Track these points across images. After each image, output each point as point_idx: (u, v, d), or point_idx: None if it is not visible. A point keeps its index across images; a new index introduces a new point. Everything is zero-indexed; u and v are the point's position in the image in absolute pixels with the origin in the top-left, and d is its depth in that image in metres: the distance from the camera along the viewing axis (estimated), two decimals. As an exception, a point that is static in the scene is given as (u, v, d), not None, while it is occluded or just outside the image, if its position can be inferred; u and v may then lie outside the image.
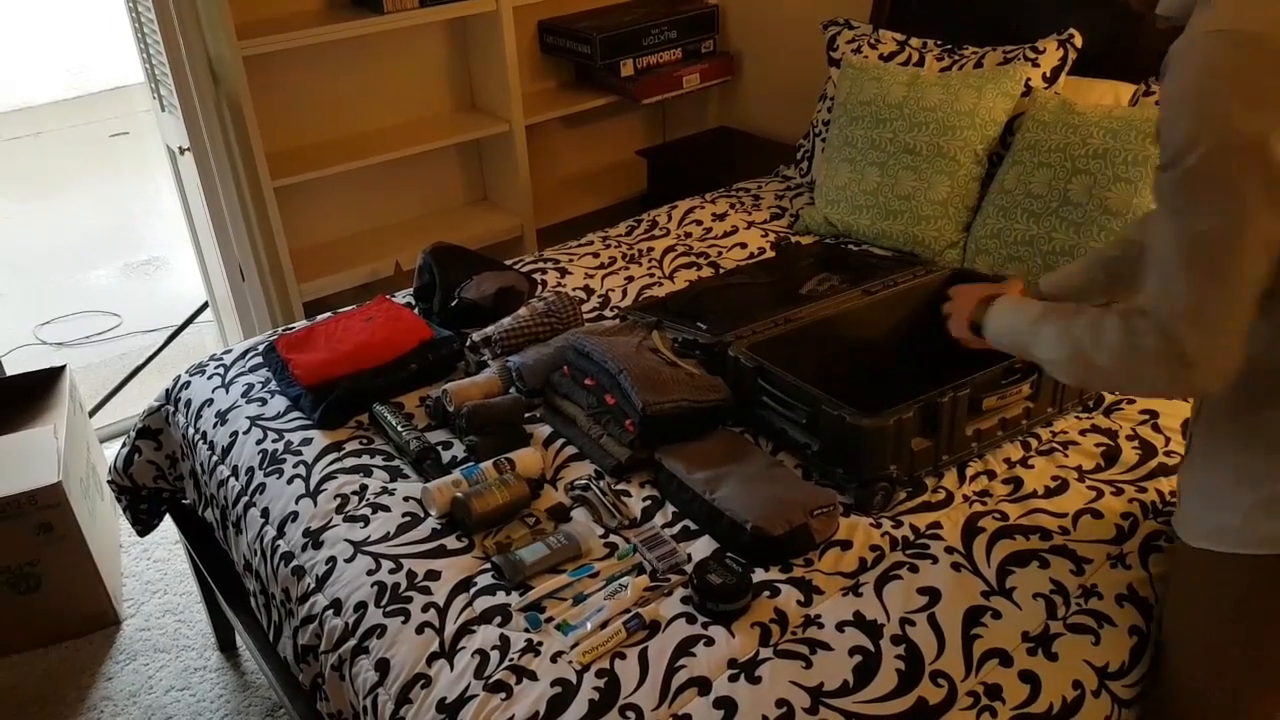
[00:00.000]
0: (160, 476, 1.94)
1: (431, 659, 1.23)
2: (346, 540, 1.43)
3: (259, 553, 1.54)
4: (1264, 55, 0.88)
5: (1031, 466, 1.49)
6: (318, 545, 1.44)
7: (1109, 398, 1.64)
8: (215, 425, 1.76)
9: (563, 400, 1.65)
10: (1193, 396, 0.99)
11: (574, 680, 1.17)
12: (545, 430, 1.63)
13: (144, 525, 2.00)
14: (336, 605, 1.36)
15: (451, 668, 1.21)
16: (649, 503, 1.46)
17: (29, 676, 2.10)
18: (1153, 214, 0.99)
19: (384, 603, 1.32)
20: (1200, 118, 0.91)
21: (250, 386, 1.83)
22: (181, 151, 2.62)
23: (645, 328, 1.73)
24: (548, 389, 1.69)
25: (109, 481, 1.98)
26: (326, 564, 1.41)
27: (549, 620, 1.26)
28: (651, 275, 2.14)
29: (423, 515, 1.47)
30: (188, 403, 1.86)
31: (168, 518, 2.02)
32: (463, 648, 1.23)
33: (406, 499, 1.50)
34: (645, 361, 1.57)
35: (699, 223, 2.38)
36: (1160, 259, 0.97)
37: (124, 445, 1.95)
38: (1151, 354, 0.98)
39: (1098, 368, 1.04)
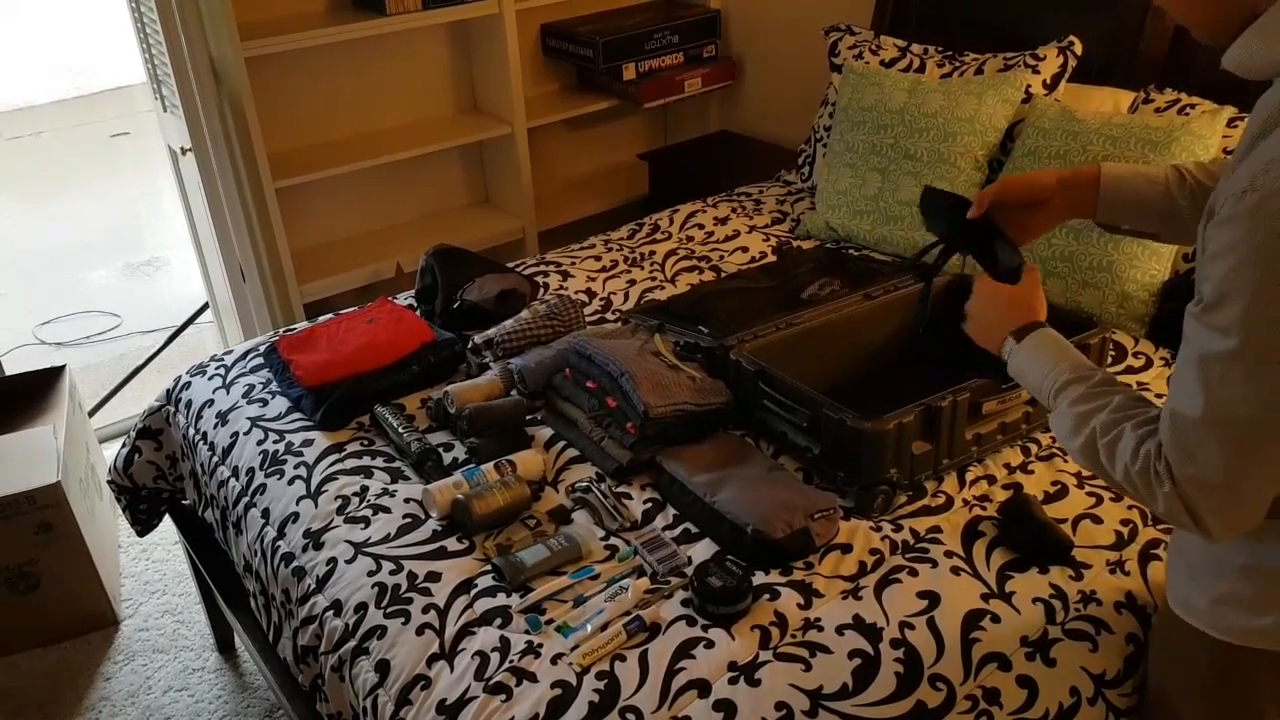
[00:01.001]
0: (160, 477, 1.94)
1: (432, 660, 1.23)
2: (347, 541, 1.43)
3: (259, 553, 1.54)
4: None
5: (1031, 472, 1.50)
6: (318, 546, 1.45)
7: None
8: (216, 426, 1.77)
9: (564, 403, 1.65)
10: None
11: (574, 682, 1.17)
12: (546, 432, 1.63)
13: (143, 525, 2.00)
14: (337, 606, 1.36)
15: (452, 669, 1.21)
16: (650, 505, 1.46)
17: (27, 677, 2.09)
18: (1189, 333, 0.86)
19: (384, 604, 1.32)
20: (1260, 301, 0.78)
21: (251, 387, 1.83)
22: (183, 152, 2.63)
23: (647, 331, 1.74)
24: (549, 391, 1.69)
25: (109, 481, 1.98)
26: (327, 565, 1.41)
27: (549, 622, 1.27)
28: (653, 279, 2.15)
29: (424, 517, 1.47)
30: (188, 403, 1.86)
31: (167, 518, 2.02)
32: (463, 649, 1.24)
33: (407, 500, 1.50)
34: (647, 365, 1.57)
35: (701, 226, 2.39)
36: (1188, 419, 0.85)
37: (124, 445, 1.95)
38: (1164, 501, 0.89)
39: (1107, 474, 0.95)
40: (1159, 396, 1.64)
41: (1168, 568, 1.10)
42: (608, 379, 1.56)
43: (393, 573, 1.36)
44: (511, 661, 1.21)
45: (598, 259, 2.25)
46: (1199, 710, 1.09)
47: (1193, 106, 1.96)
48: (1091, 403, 0.98)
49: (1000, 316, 1.16)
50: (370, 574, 1.37)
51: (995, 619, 1.23)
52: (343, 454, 1.61)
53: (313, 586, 1.41)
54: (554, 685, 1.17)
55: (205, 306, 3.26)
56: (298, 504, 1.53)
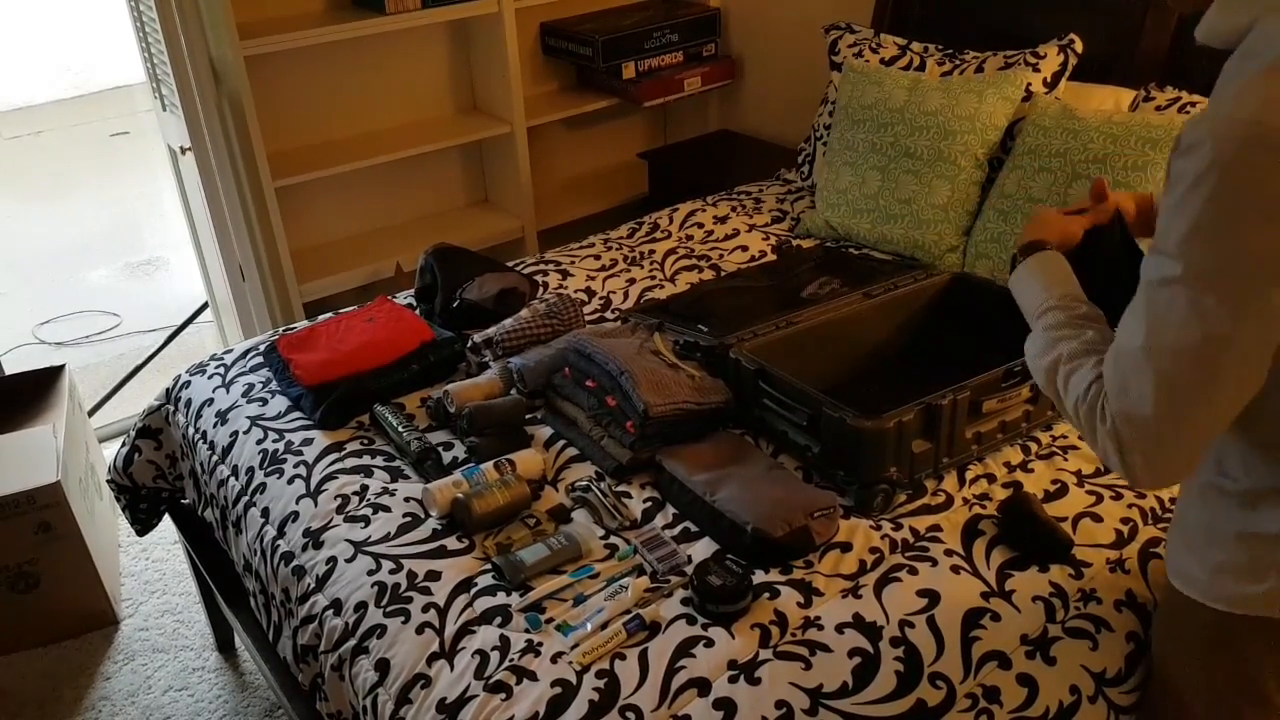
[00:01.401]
0: (160, 476, 1.94)
1: (431, 659, 1.23)
2: (347, 540, 1.43)
3: (259, 553, 1.54)
4: None
5: (1031, 470, 1.50)
6: (318, 545, 1.45)
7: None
8: (215, 425, 1.77)
9: (564, 402, 1.65)
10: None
11: (574, 681, 1.17)
12: (546, 431, 1.63)
13: (143, 525, 2.00)
14: (336, 605, 1.36)
15: (452, 668, 1.21)
16: (649, 504, 1.46)
17: (27, 676, 2.09)
18: (1143, 268, 0.88)
19: (384, 603, 1.32)
20: (1210, 226, 0.80)
21: (251, 386, 1.83)
22: (182, 151, 2.63)
23: (647, 330, 1.74)
24: (549, 390, 1.69)
25: (108, 481, 1.98)
26: (327, 564, 1.41)
27: (549, 621, 1.27)
28: (653, 278, 2.15)
29: (423, 516, 1.47)
30: (188, 402, 1.86)
31: (167, 517, 2.02)
32: (463, 648, 1.24)
33: (407, 499, 1.50)
34: (647, 363, 1.57)
35: (700, 225, 2.38)
36: (1128, 350, 0.87)
37: (124, 444, 1.95)
38: (1100, 438, 0.90)
39: (1060, 401, 0.98)
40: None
41: (1167, 542, 1.12)
42: (607, 378, 1.56)
43: (392, 572, 1.36)
44: (511, 660, 1.21)
45: (597, 258, 2.25)
46: (1198, 678, 1.10)
47: (1194, 104, 1.96)
48: (1066, 329, 1.00)
49: (1027, 230, 1.21)
50: (370, 573, 1.37)
51: (995, 617, 1.23)
52: (342, 453, 1.61)
53: (312, 585, 1.41)
54: (554, 684, 1.17)
55: (205, 306, 3.26)
56: (297, 503, 1.53)
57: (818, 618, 1.24)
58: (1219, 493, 1.01)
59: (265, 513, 1.56)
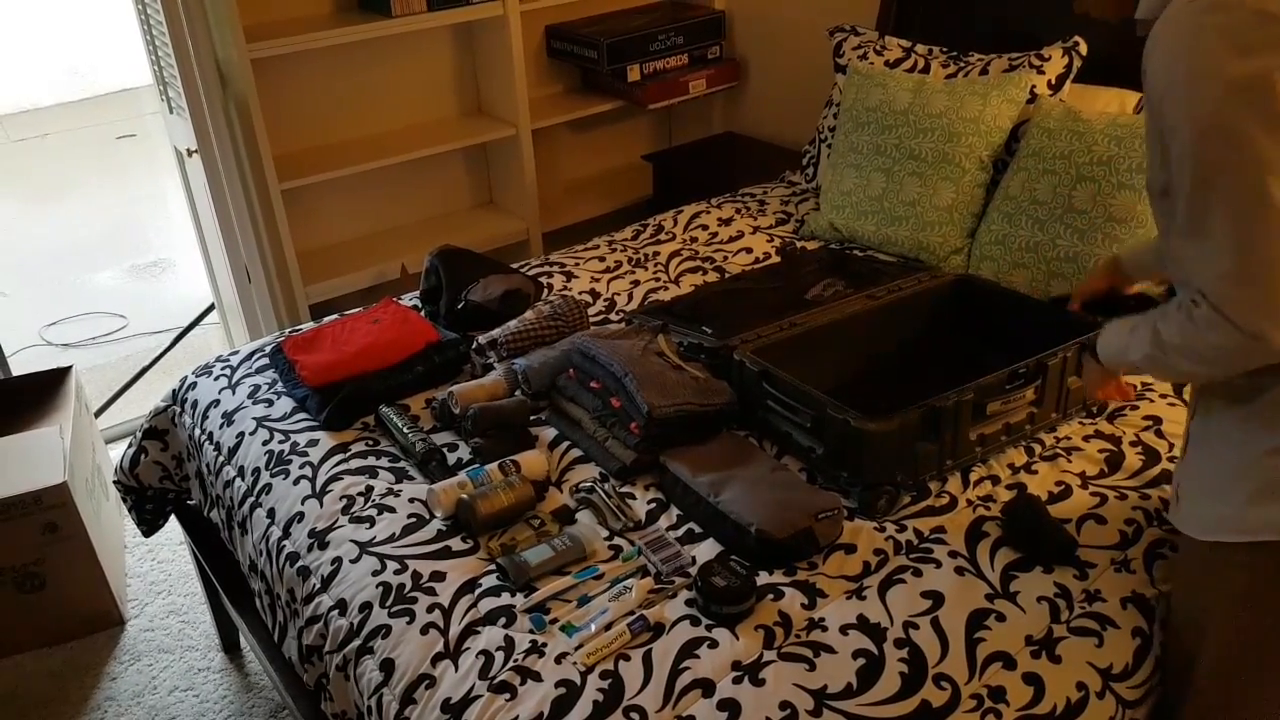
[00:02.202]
0: (166, 477, 1.94)
1: (436, 659, 1.23)
2: (352, 541, 1.44)
3: (264, 553, 1.55)
4: (1244, 12, 0.90)
5: (1035, 472, 1.49)
6: (323, 546, 1.45)
7: (1112, 404, 1.64)
8: (221, 426, 1.77)
9: (568, 403, 1.65)
10: (1267, 360, 0.99)
11: (578, 681, 1.17)
12: (550, 433, 1.63)
13: (149, 526, 2.01)
14: (342, 605, 1.36)
15: (456, 668, 1.22)
16: (654, 505, 1.46)
17: (33, 676, 2.10)
18: (1167, 205, 1.00)
19: (389, 603, 1.32)
20: (1194, 79, 0.92)
21: (257, 387, 1.83)
22: (189, 153, 2.64)
23: (651, 331, 1.74)
24: (553, 392, 1.69)
25: (115, 482, 1.99)
26: (332, 564, 1.42)
27: (553, 622, 1.27)
28: (657, 279, 2.15)
29: (428, 517, 1.47)
30: (194, 403, 1.87)
31: (173, 518, 2.02)
32: (467, 648, 1.24)
33: (412, 500, 1.50)
34: (650, 365, 1.58)
35: (705, 227, 2.39)
36: (1187, 236, 0.97)
37: (130, 445, 1.96)
38: (1213, 330, 0.98)
39: (1173, 348, 1.05)
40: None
41: (1180, 507, 1.15)
42: (611, 379, 1.56)
43: (397, 572, 1.36)
44: (516, 661, 1.21)
45: (601, 260, 2.25)
46: (1238, 622, 1.11)
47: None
48: (1140, 326, 1.13)
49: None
50: (375, 573, 1.37)
51: (1000, 618, 1.23)
52: (348, 454, 1.62)
53: (318, 586, 1.41)
54: (558, 684, 1.17)
55: (211, 308, 3.27)
56: (303, 504, 1.53)
57: (822, 619, 1.24)
58: (1240, 419, 1.05)
59: (271, 513, 1.56)
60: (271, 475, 1.61)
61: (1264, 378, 1.04)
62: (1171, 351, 1.06)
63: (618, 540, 1.40)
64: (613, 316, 2.00)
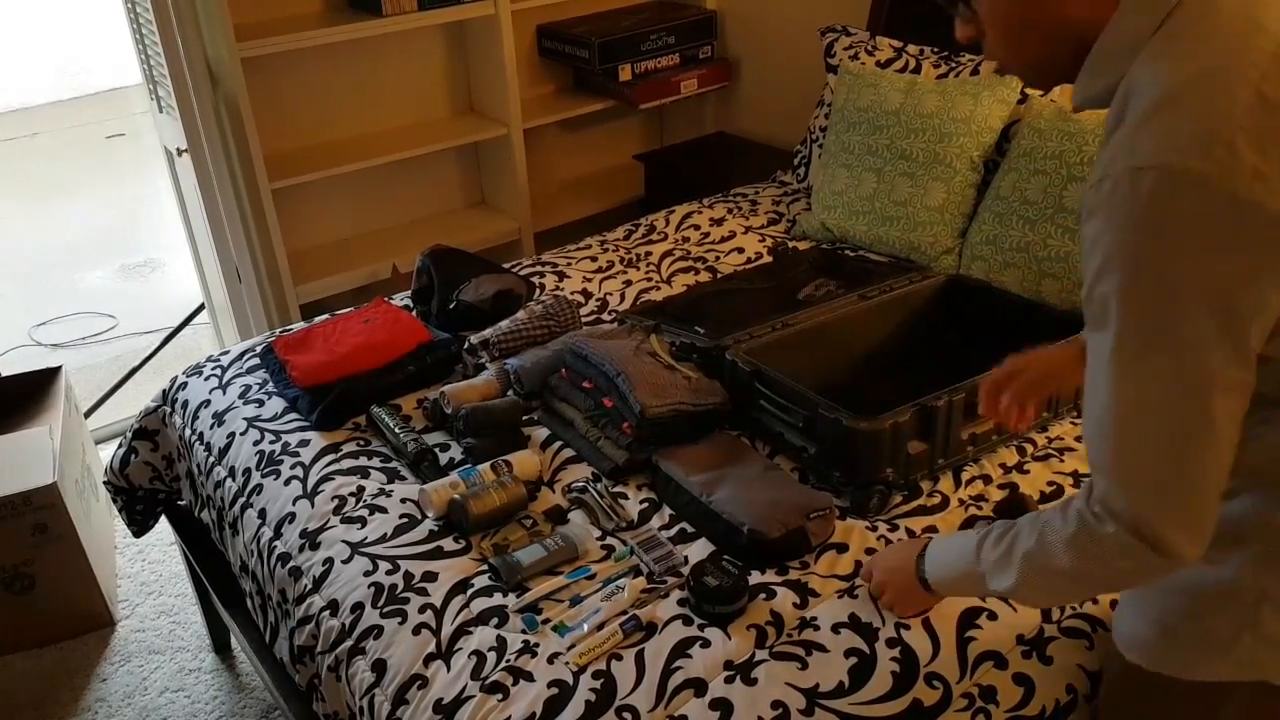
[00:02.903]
0: (156, 477, 1.94)
1: (428, 660, 1.23)
2: (344, 541, 1.43)
3: (256, 554, 1.54)
4: (1212, 200, 0.74)
5: (1027, 472, 1.50)
6: (315, 546, 1.45)
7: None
8: (212, 426, 1.77)
9: (560, 403, 1.65)
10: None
11: (570, 681, 1.17)
12: (543, 433, 1.63)
13: (140, 526, 2.00)
14: (333, 606, 1.36)
15: (448, 669, 1.22)
16: (646, 505, 1.46)
17: (23, 677, 2.09)
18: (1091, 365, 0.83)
19: (381, 604, 1.32)
20: (1132, 284, 0.77)
21: (248, 388, 1.83)
22: (179, 153, 2.63)
23: (643, 331, 1.74)
24: (546, 391, 1.69)
25: (105, 482, 1.98)
26: (324, 565, 1.41)
27: (546, 622, 1.27)
28: (649, 279, 2.15)
29: (420, 517, 1.47)
30: (184, 403, 1.86)
31: (163, 519, 2.02)
32: (460, 649, 1.24)
33: (404, 500, 1.50)
34: (643, 365, 1.58)
35: (697, 227, 2.39)
36: (1106, 436, 0.82)
37: (120, 446, 1.95)
38: (1114, 542, 0.82)
39: (1060, 571, 0.88)
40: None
41: (1120, 625, 1.02)
42: (604, 379, 1.56)
43: (389, 573, 1.36)
44: (508, 661, 1.21)
45: (594, 260, 2.25)
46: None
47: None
48: (1008, 534, 0.95)
49: (896, 570, 1.18)
50: (367, 574, 1.37)
51: (992, 617, 1.23)
52: (339, 454, 1.61)
53: (309, 586, 1.41)
54: (550, 684, 1.17)
55: (201, 308, 3.26)
56: (294, 504, 1.53)
57: (814, 618, 1.24)
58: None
59: (262, 514, 1.56)
60: (262, 476, 1.61)
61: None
62: (1052, 564, 0.88)
63: (610, 540, 1.40)
64: (605, 316, 2.00)
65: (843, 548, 1.35)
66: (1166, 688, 0.94)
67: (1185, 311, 0.77)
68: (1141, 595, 0.96)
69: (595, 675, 1.18)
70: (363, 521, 1.46)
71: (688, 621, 1.25)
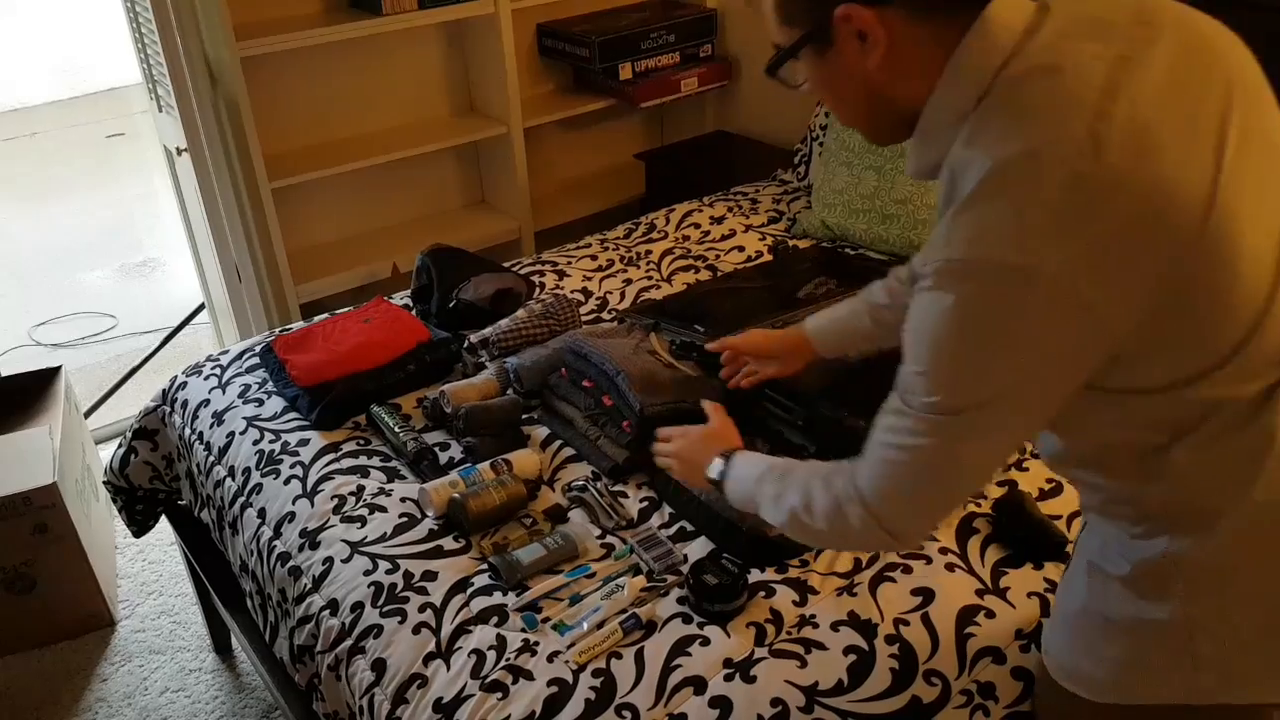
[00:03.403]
0: (156, 477, 1.94)
1: (428, 659, 1.23)
2: (344, 541, 1.43)
3: (255, 553, 1.54)
4: (1027, 293, 0.75)
5: (1026, 469, 1.50)
6: (315, 546, 1.45)
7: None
8: (212, 425, 1.77)
9: (560, 402, 1.65)
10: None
11: (570, 680, 1.18)
12: (543, 431, 1.63)
13: (140, 526, 2.00)
14: (333, 605, 1.36)
15: (448, 668, 1.22)
16: (646, 504, 1.46)
17: (23, 678, 2.09)
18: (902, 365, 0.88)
19: (381, 603, 1.32)
20: (941, 360, 0.82)
21: (247, 387, 1.83)
22: (179, 152, 2.63)
23: (643, 330, 1.74)
24: (545, 390, 1.69)
25: (105, 482, 1.98)
26: (323, 564, 1.41)
27: (545, 620, 1.27)
28: (649, 278, 2.15)
29: (420, 516, 1.47)
30: (184, 403, 1.86)
31: (163, 519, 2.02)
32: (459, 648, 1.24)
33: (404, 500, 1.50)
34: (643, 363, 1.58)
35: (697, 226, 2.39)
36: (882, 439, 0.89)
37: (120, 445, 1.95)
38: (859, 524, 0.91)
39: (815, 531, 0.98)
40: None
41: (1045, 630, 1.05)
42: (604, 378, 1.56)
43: (389, 572, 1.36)
44: (508, 660, 1.21)
45: (594, 258, 2.25)
46: None
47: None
48: (787, 478, 1.03)
49: (700, 450, 1.22)
50: (367, 573, 1.37)
51: (990, 614, 1.23)
52: (339, 453, 1.61)
53: (309, 586, 1.41)
54: (550, 683, 1.17)
55: (201, 307, 3.26)
56: (294, 503, 1.53)
57: (813, 616, 1.24)
58: (1104, 577, 0.93)
59: (262, 513, 1.56)
60: (262, 475, 1.61)
61: (1112, 553, 0.92)
62: (809, 524, 0.98)
63: (610, 539, 1.40)
64: (605, 315, 2.00)
65: (842, 546, 1.35)
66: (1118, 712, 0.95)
67: (980, 401, 0.81)
68: (1081, 632, 0.96)
69: (595, 674, 1.18)
70: (362, 521, 1.46)
71: (687, 620, 1.25)
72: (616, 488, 1.50)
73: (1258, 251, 0.78)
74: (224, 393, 1.83)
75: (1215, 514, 0.85)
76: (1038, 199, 0.74)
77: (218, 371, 1.90)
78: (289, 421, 1.71)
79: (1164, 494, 0.87)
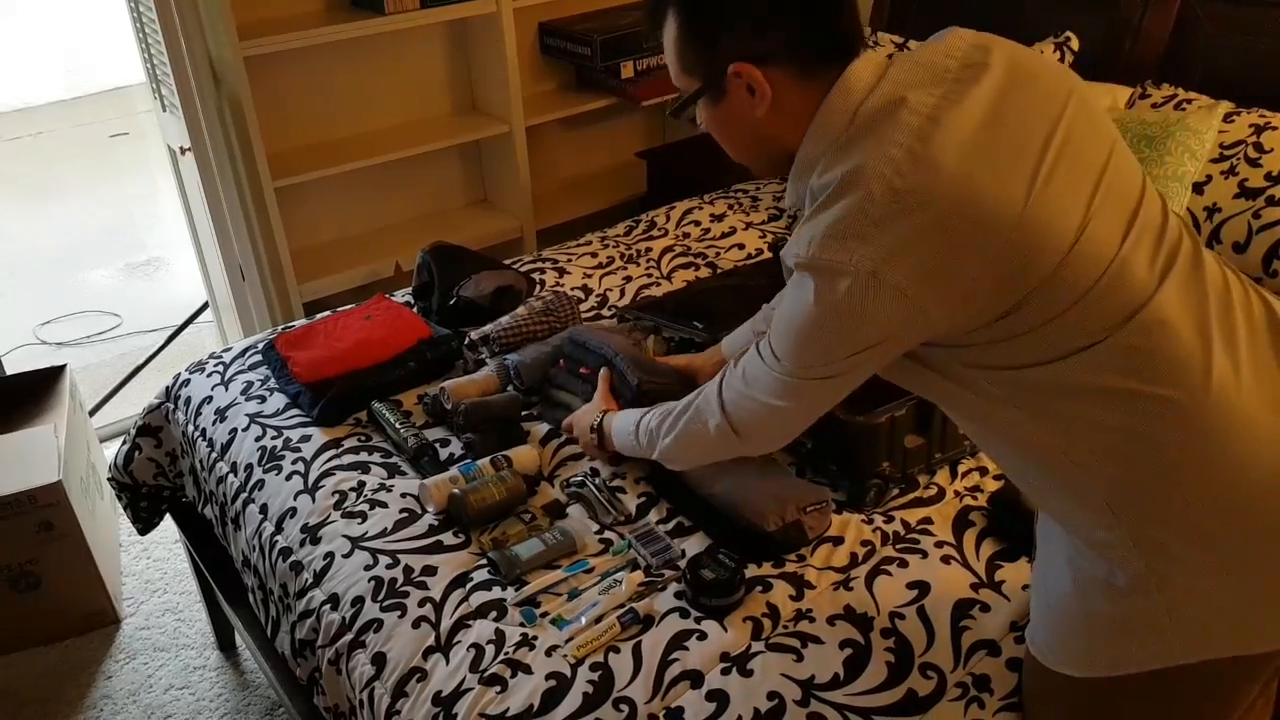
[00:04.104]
0: (160, 474, 1.95)
1: (428, 653, 1.24)
2: (344, 536, 1.44)
3: (257, 548, 1.55)
4: (854, 286, 0.89)
5: (1024, 464, 1.50)
6: (316, 541, 1.46)
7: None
8: (215, 422, 1.78)
9: (558, 391, 1.66)
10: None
11: (568, 674, 1.18)
12: (543, 428, 1.64)
13: (144, 523, 2.01)
14: (334, 600, 1.37)
15: (447, 662, 1.22)
16: (644, 499, 1.47)
17: (28, 675, 2.11)
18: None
19: (381, 598, 1.33)
20: (795, 333, 0.97)
21: (249, 384, 1.84)
22: (182, 151, 2.64)
23: (642, 332, 1.75)
24: (544, 384, 1.70)
25: (109, 479, 1.99)
26: (324, 559, 1.42)
27: (544, 615, 1.28)
28: (649, 275, 2.15)
29: (420, 511, 1.48)
30: (187, 400, 1.87)
31: (168, 517, 2.03)
32: (458, 642, 1.25)
33: (404, 495, 1.51)
34: (639, 352, 1.58)
35: (697, 223, 2.39)
36: (750, 376, 1.06)
37: (124, 443, 1.96)
38: (713, 434, 1.12)
39: (673, 439, 1.20)
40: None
41: (1032, 610, 1.07)
42: (601, 361, 1.56)
43: (389, 567, 1.37)
44: (506, 654, 1.22)
45: (594, 256, 2.26)
46: None
47: (1189, 101, 1.97)
48: (650, 417, 1.27)
49: (588, 425, 1.46)
50: (367, 568, 1.38)
51: (985, 608, 1.24)
52: (340, 449, 1.62)
53: (310, 581, 1.42)
54: (548, 677, 1.18)
55: (205, 306, 3.28)
56: (295, 499, 1.54)
57: (809, 610, 1.25)
58: (1077, 557, 0.97)
59: (264, 509, 1.57)
60: (264, 471, 1.62)
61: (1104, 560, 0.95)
62: (682, 434, 1.19)
63: (608, 534, 1.41)
64: (605, 312, 2.00)
65: (839, 540, 1.36)
66: (1090, 684, 0.98)
67: (824, 375, 0.98)
68: (1063, 612, 1.00)
69: (593, 667, 1.19)
70: (363, 516, 1.47)
71: (685, 614, 1.25)
72: (614, 483, 1.50)
73: (1067, 241, 0.88)
74: (226, 389, 1.84)
75: (1165, 486, 0.90)
76: (860, 207, 0.88)
77: (220, 369, 1.91)
78: (291, 418, 1.72)
79: (1105, 486, 0.92)
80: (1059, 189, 0.88)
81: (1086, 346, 0.89)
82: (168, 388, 1.95)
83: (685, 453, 1.21)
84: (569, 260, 2.24)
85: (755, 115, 1.00)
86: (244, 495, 1.62)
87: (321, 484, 1.55)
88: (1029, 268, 0.87)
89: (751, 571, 1.31)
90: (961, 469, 1.49)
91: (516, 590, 1.32)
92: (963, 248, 0.87)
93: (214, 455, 1.73)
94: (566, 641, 1.23)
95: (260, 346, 1.95)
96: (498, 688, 1.18)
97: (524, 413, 1.67)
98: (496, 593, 1.31)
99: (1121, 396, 0.89)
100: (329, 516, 1.49)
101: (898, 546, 1.35)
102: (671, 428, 1.20)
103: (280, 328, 2.03)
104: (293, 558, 1.46)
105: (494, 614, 1.28)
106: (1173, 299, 0.89)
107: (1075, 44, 2.19)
